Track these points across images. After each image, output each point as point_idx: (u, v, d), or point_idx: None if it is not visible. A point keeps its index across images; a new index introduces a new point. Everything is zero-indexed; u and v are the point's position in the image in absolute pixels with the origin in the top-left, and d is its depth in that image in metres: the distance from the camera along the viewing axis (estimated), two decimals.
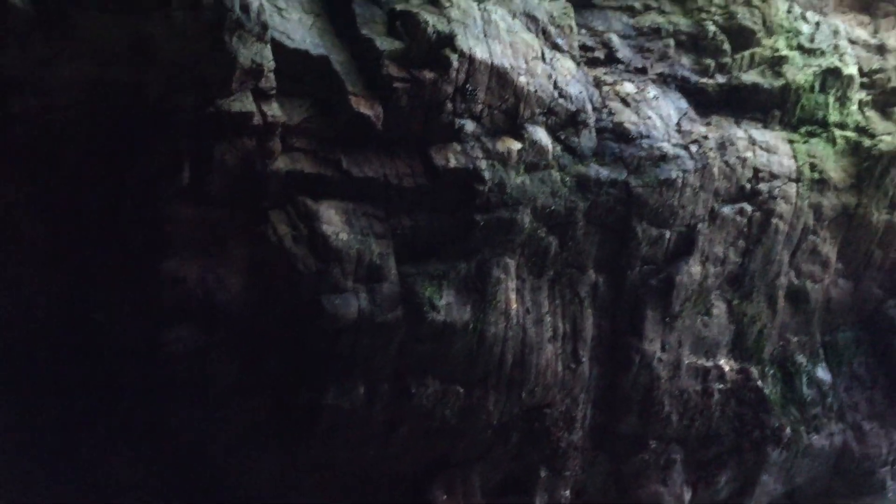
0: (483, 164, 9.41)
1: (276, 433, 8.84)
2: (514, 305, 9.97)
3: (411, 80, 8.85)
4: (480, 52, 9.29)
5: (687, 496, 12.46)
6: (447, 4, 9.32)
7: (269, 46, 7.73)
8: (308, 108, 8.47)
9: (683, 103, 11.82)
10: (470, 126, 9.38)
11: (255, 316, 8.32)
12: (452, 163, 9.21)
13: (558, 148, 10.22)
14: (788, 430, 13.38)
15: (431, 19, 9.00)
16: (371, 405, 9.19)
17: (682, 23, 12.13)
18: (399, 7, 9.11)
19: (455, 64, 9.03)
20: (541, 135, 10.00)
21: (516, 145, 9.72)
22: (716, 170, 11.69)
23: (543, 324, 10.38)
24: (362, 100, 8.73)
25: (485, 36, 9.50)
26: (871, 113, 14.18)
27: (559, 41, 10.57)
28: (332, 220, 8.57)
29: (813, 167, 13.25)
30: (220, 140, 7.79)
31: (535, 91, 9.84)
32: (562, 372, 10.67)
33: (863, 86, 13.90)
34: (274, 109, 8.04)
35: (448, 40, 9.05)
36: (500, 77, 9.48)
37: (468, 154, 9.35)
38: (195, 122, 7.53)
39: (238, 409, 8.60)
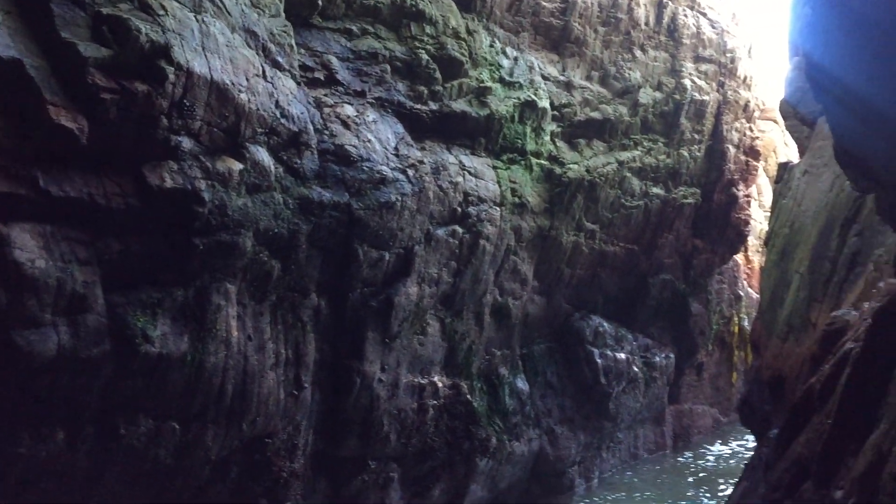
0: (202, 184, 8.85)
1: None
2: (236, 333, 9.49)
3: (121, 91, 8.06)
4: (199, 66, 8.74)
5: None
6: (161, 12, 8.64)
7: None
8: None
9: (400, 128, 12.09)
10: (188, 144, 8.78)
11: None
12: (169, 182, 8.55)
13: (280, 169, 9.93)
14: (494, 439, 14.18)
15: (144, 27, 8.29)
16: (73, 451, 8.19)
17: (398, 49, 12.42)
18: (106, 11, 8.27)
19: (171, 77, 8.39)
20: (263, 155, 9.65)
21: (237, 165, 9.28)
22: (431, 193, 12.10)
23: (266, 350, 10.00)
24: (63, 111, 7.78)
25: (203, 49, 8.95)
26: (561, 143, 15.59)
27: (280, 59, 10.29)
28: (27, 246, 7.52)
29: (514, 192, 14.25)
30: None
31: (257, 109, 9.47)
32: (284, 399, 10.35)
33: (554, 118, 15.24)
34: None
35: (163, 51, 8.39)
36: (220, 93, 8.99)
37: (186, 174, 8.73)
38: None
39: None
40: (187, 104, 8.66)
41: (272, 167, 9.76)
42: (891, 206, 4.85)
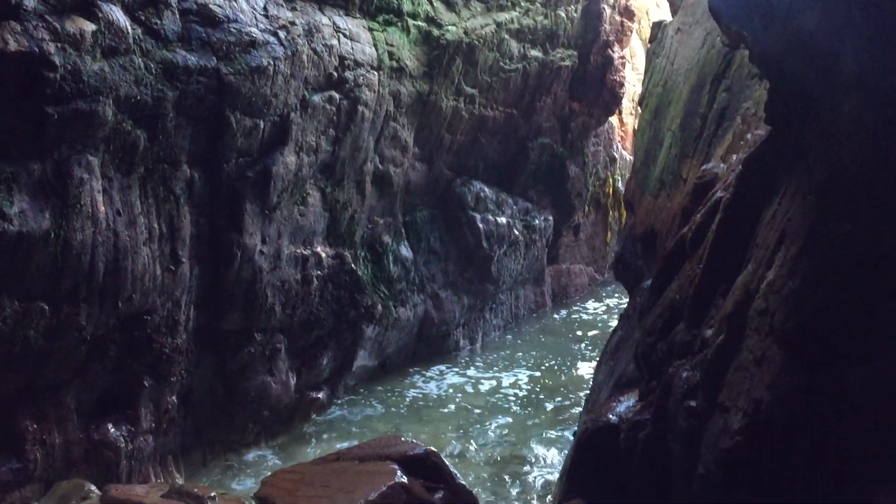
0: (51, 46, 8.11)
1: None
2: (102, 208, 8.99)
3: None
4: None
5: (293, 381, 12.77)
6: None
7: None
8: None
9: None
10: (31, 2, 7.98)
11: None
12: (13, 45, 7.78)
13: (139, 30, 9.20)
14: (380, 306, 14.32)
15: None
16: None
17: None
18: None
19: None
20: (117, 14, 8.90)
21: (90, 26, 8.53)
22: (305, 57, 11.58)
23: (137, 226, 9.55)
24: None
25: None
26: (438, 4, 15.12)
27: None
28: None
29: (391, 55, 13.83)
30: None
31: None
32: (161, 275, 10.00)
33: None
34: None
35: None
36: None
37: (31, 35, 7.97)
38: None
39: None
40: None
41: (129, 28, 9.04)
42: (761, 50, 4.92)
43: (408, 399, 14.45)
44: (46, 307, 8.61)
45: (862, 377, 3.92)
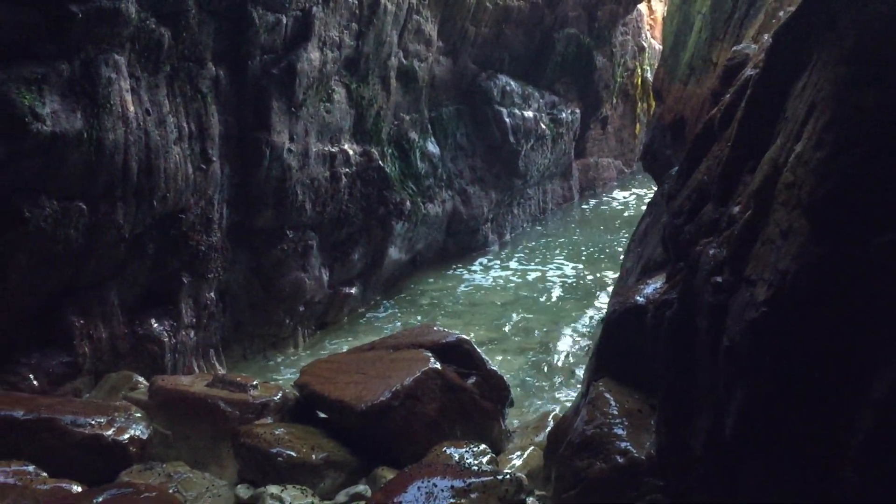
0: None
1: None
2: (132, 107, 9.07)
3: None
4: None
5: (325, 277, 13.05)
6: None
7: None
8: None
9: None
10: None
11: None
12: None
13: None
14: (408, 202, 14.44)
15: None
16: None
17: None
18: None
19: None
20: None
21: None
22: None
23: (167, 125, 9.64)
24: None
25: None
26: None
27: None
28: None
29: None
30: None
31: None
32: (193, 174, 10.15)
33: None
34: None
35: None
36: None
37: None
38: None
39: None
40: None
41: None
42: None
43: (442, 292, 14.73)
44: (84, 206, 8.82)
45: (887, 243, 3.96)
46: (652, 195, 16.39)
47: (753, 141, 5.44)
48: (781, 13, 7.70)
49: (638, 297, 6.98)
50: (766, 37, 7.98)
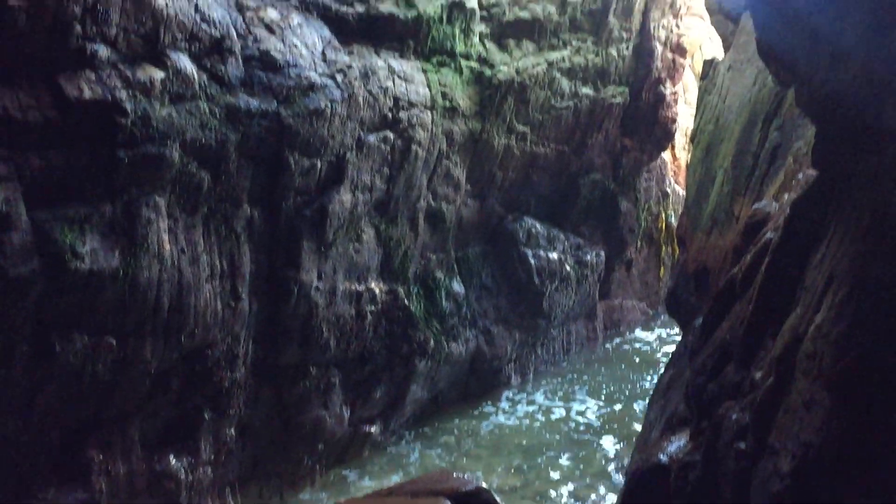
0: (123, 94, 8.57)
1: None
2: (168, 246, 9.38)
3: None
4: None
5: (346, 415, 12.98)
6: None
7: None
8: None
9: (326, 31, 11.79)
10: (104, 52, 8.45)
11: None
12: (87, 93, 8.25)
13: (204, 77, 9.64)
14: (432, 341, 14.49)
15: None
16: (9, 370, 8.12)
17: None
18: None
19: None
20: (185, 62, 9.35)
21: (159, 74, 8.99)
22: (361, 99, 11.94)
23: (200, 263, 9.92)
24: None
25: None
26: (490, 44, 15.41)
27: None
28: None
29: (444, 95, 14.14)
30: None
31: (176, 14, 9.13)
32: (222, 311, 10.35)
33: (482, 19, 15.02)
34: None
35: None
36: None
37: (105, 83, 8.43)
38: None
39: None
40: (101, 9, 8.30)
41: (195, 75, 9.48)
42: (809, 98, 5.02)
43: (464, 432, 14.55)
44: (114, 342, 9.00)
45: None
46: (675, 336, 16.29)
47: (774, 306, 5.52)
48: (801, 175, 7.94)
49: (661, 455, 6.89)
50: (786, 196, 8.19)
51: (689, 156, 17.00)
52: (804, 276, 5.21)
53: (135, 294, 9.01)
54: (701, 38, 23.42)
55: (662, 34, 19.15)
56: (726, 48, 14.80)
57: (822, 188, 5.30)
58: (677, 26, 19.66)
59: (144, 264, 9.03)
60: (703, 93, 14.37)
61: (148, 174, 8.95)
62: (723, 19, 14.38)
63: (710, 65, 14.49)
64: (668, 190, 21.70)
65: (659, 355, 17.99)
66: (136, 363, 9.31)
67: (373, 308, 13.19)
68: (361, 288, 12.95)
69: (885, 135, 4.35)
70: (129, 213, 8.86)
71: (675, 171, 22.43)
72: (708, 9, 15.12)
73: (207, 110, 9.64)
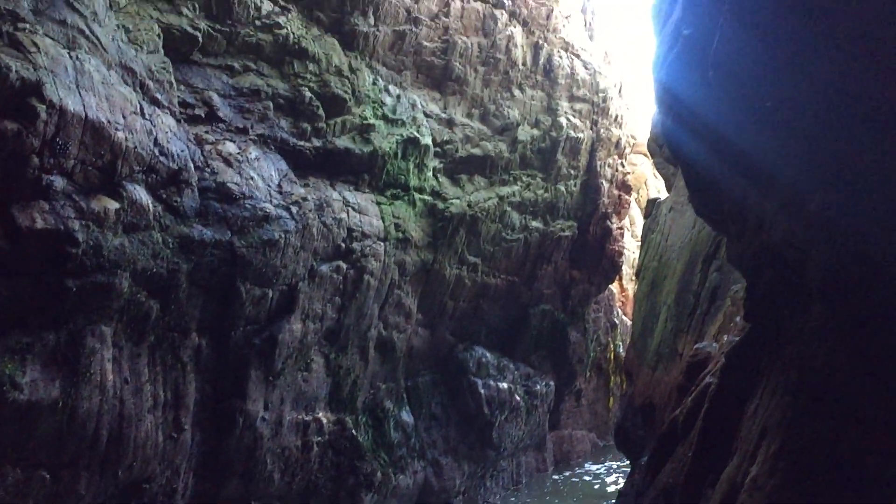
0: (75, 224, 8.60)
1: None
2: (111, 376, 9.21)
3: None
4: (73, 104, 8.53)
5: None
6: (32, 49, 8.40)
7: None
8: None
9: (283, 164, 12.09)
10: (60, 183, 8.53)
11: None
12: (40, 223, 8.27)
13: (160, 208, 9.75)
14: (379, 473, 14.20)
15: (15, 65, 8.04)
16: None
17: (280, 86, 12.45)
18: None
19: (43, 115, 8.16)
20: (141, 194, 9.47)
21: (114, 204, 9.07)
22: (315, 230, 12.13)
23: (143, 393, 9.74)
24: None
25: (77, 86, 8.75)
26: (443, 179, 15.91)
27: (159, 96, 10.15)
28: None
29: (397, 227, 14.44)
30: None
31: (135, 147, 9.30)
32: (163, 442, 10.09)
33: (436, 154, 15.56)
34: None
35: (35, 89, 8.16)
36: (95, 131, 8.79)
37: (58, 214, 8.47)
38: None
39: None
40: (60, 143, 8.43)
41: (150, 205, 9.58)
42: (738, 256, 5.29)
43: None
44: (47, 475, 8.68)
45: None
46: (625, 467, 16.20)
47: (713, 454, 5.61)
48: (738, 318, 8.21)
49: None
50: (725, 337, 8.43)
51: (636, 289, 17.44)
52: (740, 426, 5.34)
53: (73, 426, 8.76)
54: (645, 174, 24.47)
55: (608, 172, 19.96)
56: (669, 188, 15.48)
57: (754, 340, 5.51)
58: (622, 165, 20.55)
59: (85, 395, 8.84)
60: (647, 230, 14.92)
61: (95, 303, 8.89)
62: (664, 161, 15.11)
63: (653, 204, 15.12)
64: (617, 320, 22.07)
65: (609, 489, 17.81)
66: (69, 498, 8.96)
67: (319, 439, 12.97)
68: (309, 418, 12.77)
69: (809, 294, 4.59)
70: (72, 343, 8.74)
71: (622, 302, 22.89)
72: (650, 151, 15.89)
73: (161, 240, 9.70)
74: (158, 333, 10.06)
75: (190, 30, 11.13)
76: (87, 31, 9.15)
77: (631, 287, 22.74)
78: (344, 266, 12.95)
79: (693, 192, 6.37)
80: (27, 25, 8.45)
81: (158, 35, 10.57)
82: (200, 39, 11.27)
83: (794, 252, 4.46)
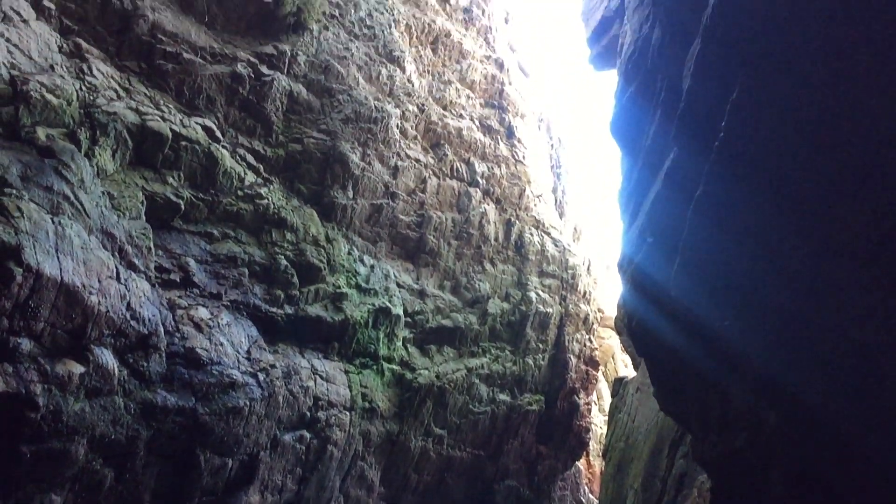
0: (38, 388, 8.48)
1: None
2: None
3: None
4: (49, 268, 8.64)
5: None
6: (16, 214, 8.60)
7: None
8: None
9: (254, 331, 12.12)
10: (27, 345, 8.48)
11: None
12: (1, 386, 8.15)
13: (125, 372, 9.66)
14: None
15: None
16: None
17: (257, 254, 12.69)
18: None
19: (19, 278, 8.25)
20: (107, 358, 9.40)
21: (78, 368, 8.98)
22: (281, 398, 12.00)
23: None
24: None
25: (56, 251, 8.89)
26: (413, 349, 15.96)
27: (136, 261, 10.30)
28: None
29: (364, 396, 14.32)
30: None
31: (107, 311, 9.34)
32: None
33: (407, 324, 15.69)
34: None
35: (13, 253, 8.28)
36: (69, 295, 8.85)
37: (21, 377, 8.36)
38: None
39: None
40: (32, 305, 8.45)
41: (116, 370, 9.50)
42: (702, 456, 5.34)
43: None
44: None
45: None
46: None
47: None
48: None
49: None
50: None
51: (603, 471, 17.19)
52: None
53: None
54: (613, 347, 24.69)
55: (576, 347, 20.14)
56: (635, 366, 15.61)
57: None
58: (590, 340, 20.77)
59: None
60: (613, 409, 14.90)
61: (49, 471, 8.61)
62: (631, 340, 15.32)
63: (619, 383, 15.18)
64: (584, 499, 21.56)
65: None
66: None
67: None
68: None
69: (772, 496, 4.61)
70: None
71: (589, 479, 22.45)
72: (617, 330, 16.13)
73: (122, 406, 9.54)
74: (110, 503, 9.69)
75: (173, 198, 11.46)
76: (73, 198, 9.39)
77: (598, 463, 22.41)
78: (308, 435, 12.72)
79: (658, 386, 6.48)
80: (14, 191, 8.67)
81: (142, 202, 10.86)
82: (183, 207, 11.58)
83: (756, 455, 4.52)
